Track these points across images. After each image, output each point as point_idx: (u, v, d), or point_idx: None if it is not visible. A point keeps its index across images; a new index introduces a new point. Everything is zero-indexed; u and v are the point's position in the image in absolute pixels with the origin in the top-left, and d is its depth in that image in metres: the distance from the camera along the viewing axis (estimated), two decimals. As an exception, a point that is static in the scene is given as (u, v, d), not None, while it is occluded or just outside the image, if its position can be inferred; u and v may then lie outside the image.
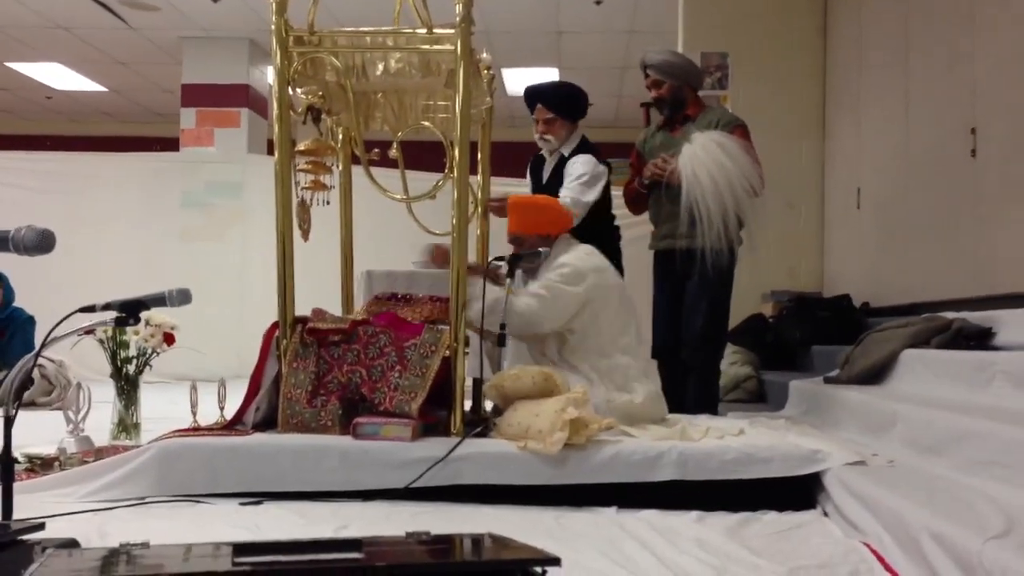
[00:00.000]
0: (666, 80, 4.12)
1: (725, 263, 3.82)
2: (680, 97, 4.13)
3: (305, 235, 3.24)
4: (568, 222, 3.57)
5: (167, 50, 9.54)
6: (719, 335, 4.10)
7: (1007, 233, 4.07)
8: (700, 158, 3.75)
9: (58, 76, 10.63)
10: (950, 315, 3.96)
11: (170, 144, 9.85)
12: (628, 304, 3.42)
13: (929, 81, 5.00)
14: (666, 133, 4.20)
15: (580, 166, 4.09)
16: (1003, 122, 4.12)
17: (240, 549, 1.22)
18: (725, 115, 4.15)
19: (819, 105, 6.89)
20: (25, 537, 1.61)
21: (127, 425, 3.80)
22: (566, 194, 3.99)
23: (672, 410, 3.50)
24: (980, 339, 3.66)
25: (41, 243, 1.69)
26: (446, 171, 3.18)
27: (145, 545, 1.32)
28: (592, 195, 4.03)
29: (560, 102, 4.23)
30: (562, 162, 4.24)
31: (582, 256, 3.37)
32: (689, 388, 3.98)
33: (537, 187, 4.47)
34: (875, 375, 3.92)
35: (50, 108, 12.21)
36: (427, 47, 3.06)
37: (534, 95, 4.26)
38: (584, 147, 4.23)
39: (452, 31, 3.02)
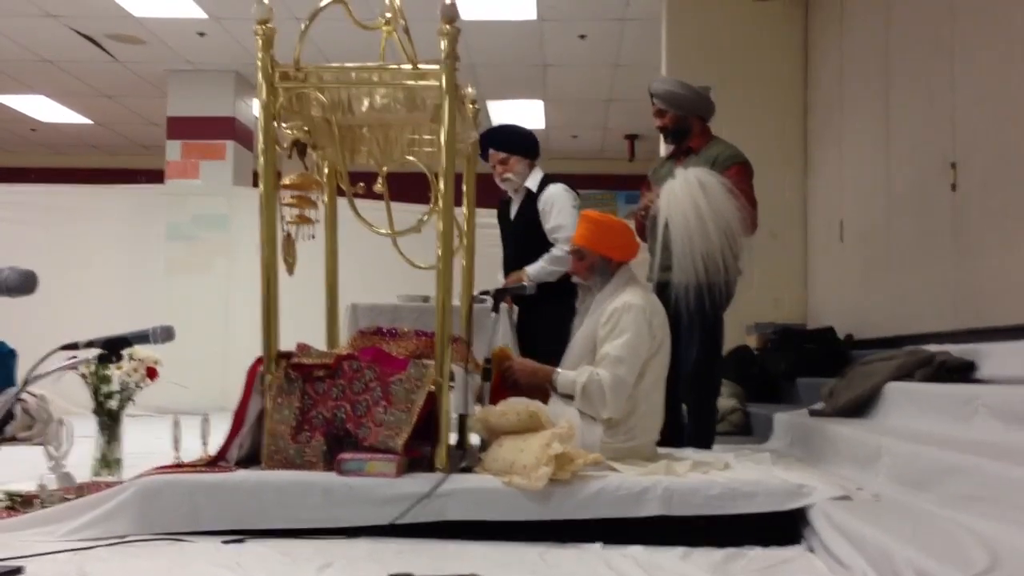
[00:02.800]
0: (669, 109, 4.11)
1: (708, 301, 3.72)
2: (684, 128, 4.11)
3: (290, 269, 3.23)
4: (631, 254, 3.41)
5: (153, 82, 9.57)
6: (713, 371, 4.04)
7: (988, 266, 4.11)
8: (677, 197, 3.70)
9: (43, 108, 10.64)
10: (933, 348, 3.98)
11: (155, 176, 9.85)
12: (668, 349, 3.34)
13: (910, 116, 5.06)
14: (672, 164, 4.18)
15: (560, 199, 4.34)
16: (983, 156, 4.17)
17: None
18: (727, 151, 4.05)
19: (801, 138, 6.98)
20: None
21: (109, 461, 3.76)
22: (564, 236, 4.21)
23: (664, 443, 3.49)
24: (963, 372, 3.69)
25: (23, 284, 1.69)
26: (432, 205, 3.19)
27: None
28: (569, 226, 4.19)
29: (507, 140, 4.41)
30: (530, 198, 4.39)
31: (640, 294, 3.26)
32: (685, 424, 3.96)
33: (506, 228, 4.52)
34: (859, 408, 3.94)
35: (35, 140, 12.20)
36: (412, 82, 3.08)
37: (481, 142, 4.23)
38: (547, 180, 4.42)
39: (437, 67, 3.04)
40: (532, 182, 4.42)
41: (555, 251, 4.30)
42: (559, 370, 3.23)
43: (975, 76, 4.26)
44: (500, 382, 3.27)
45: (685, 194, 3.67)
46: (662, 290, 3.82)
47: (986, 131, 4.15)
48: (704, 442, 3.90)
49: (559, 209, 4.35)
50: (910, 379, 3.79)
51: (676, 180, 3.79)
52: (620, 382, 3.11)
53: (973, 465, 2.47)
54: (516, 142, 4.48)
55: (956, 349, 3.85)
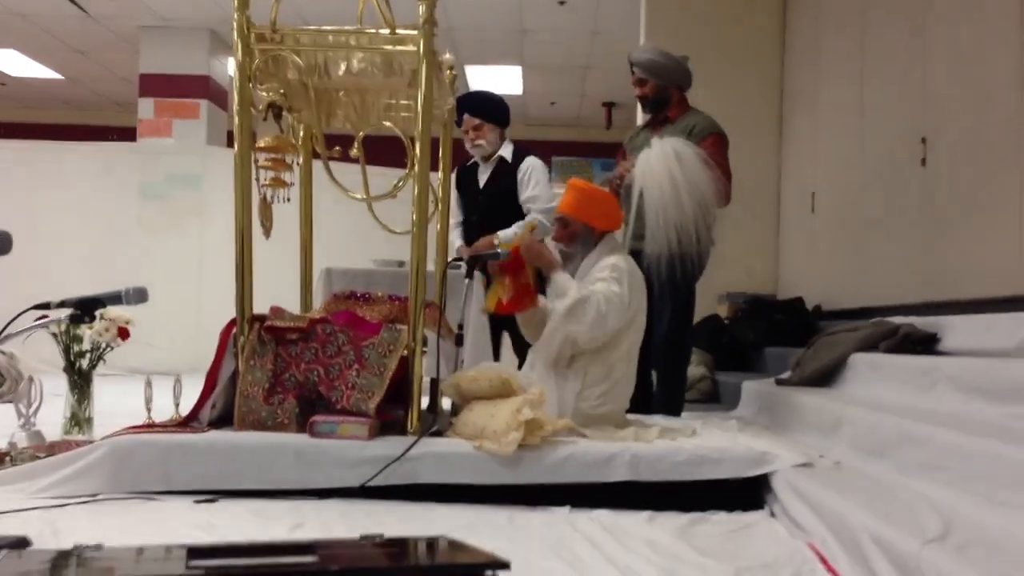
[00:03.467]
0: (650, 79, 4.11)
1: (680, 271, 3.74)
2: (664, 97, 4.12)
3: (267, 232, 3.24)
4: (616, 225, 3.45)
5: (126, 39, 9.42)
6: (684, 341, 4.08)
7: (954, 241, 4.18)
8: (653, 166, 3.70)
9: (13, 63, 10.45)
10: (898, 320, 4.05)
11: (127, 133, 9.73)
12: (643, 327, 3.37)
13: (883, 90, 5.10)
14: (648, 133, 4.19)
15: (537, 172, 4.48)
16: (952, 133, 4.23)
17: (194, 552, 1.23)
18: (703, 121, 4.06)
19: (777, 108, 7.01)
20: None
21: (80, 420, 3.76)
22: (540, 207, 4.36)
23: (633, 410, 3.53)
24: (926, 344, 3.76)
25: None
26: (408, 170, 3.20)
27: (98, 547, 1.33)
28: (549, 198, 4.30)
29: (482, 106, 4.45)
30: (503, 166, 4.49)
31: (623, 259, 3.30)
32: (654, 391, 4.02)
33: (473, 194, 4.53)
34: (825, 378, 4.01)
35: (4, 95, 11.99)
36: (390, 47, 3.07)
37: (458, 106, 4.22)
38: (521, 151, 4.55)
39: (415, 32, 3.03)
40: (506, 151, 4.53)
41: (530, 219, 4.34)
42: (563, 272, 3.23)
43: (947, 52, 4.31)
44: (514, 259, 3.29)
45: (660, 164, 3.68)
46: (635, 258, 3.84)
47: (956, 107, 4.20)
48: (674, 409, 3.96)
49: (536, 180, 4.46)
50: (875, 350, 3.86)
51: (652, 150, 3.79)
52: (617, 297, 3.12)
53: (930, 434, 2.54)
54: (490, 109, 4.54)
55: (921, 321, 3.92)
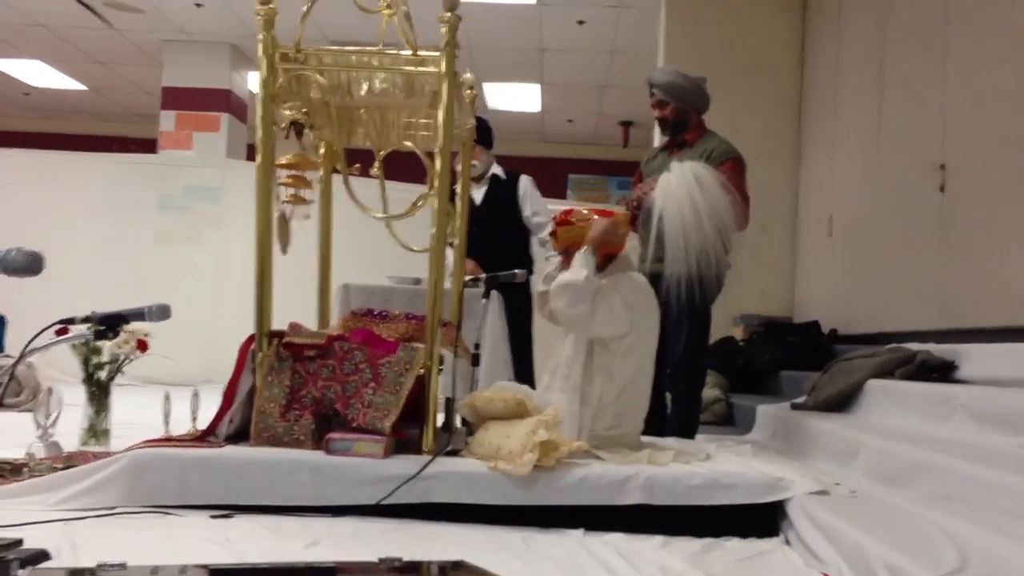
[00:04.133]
0: (670, 101, 4.10)
1: (699, 294, 3.74)
2: (683, 120, 4.11)
3: (284, 249, 3.25)
4: (613, 247, 3.39)
5: (148, 52, 9.52)
6: (700, 363, 4.07)
7: (972, 268, 4.17)
8: (673, 190, 3.71)
9: (37, 73, 10.58)
10: (915, 347, 4.04)
11: (148, 145, 9.82)
12: (656, 341, 3.38)
13: (901, 116, 5.10)
14: (665, 156, 4.19)
15: (533, 188, 4.94)
16: (971, 160, 4.22)
17: (216, 573, 1.24)
18: (721, 145, 4.05)
19: (795, 132, 7.02)
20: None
21: (97, 431, 3.78)
22: (543, 219, 4.66)
23: (648, 432, 3.53)
24: (943, 372, 3.75)
25: (30, 265, 1.71)
26: (428, 189, 3.22)
27: (121, 566, 1.34)
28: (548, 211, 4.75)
29: (479, 130, 4.46)
30: (496, 182, 4.89)
31: (638, 279, 3.33)
32: (670, 411, 4.01)
33: (470, 210, 4.61)
34: (840, 403, 4.00)
35: (27, 105, 12.13)
36: (412, 68, 3.10)
37: None
38: (508, 169, 4.98)
39: (437, 54, 3.06)
40: (497, 170, 4.94)
41: (544, 236, 4.66)
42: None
43: (966, 80, 4.31)
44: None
45: (681, 188, 3.70)
46: (654, 281, 3.85)
47: (975, 135, 4.20)
48: (688, 432, 3.95)
49: (534, 198, 4.92)
50: (891, 377, 3.85)
51: (672, 173, 3.80)
52: (591, 281, 3.15)
53: (947, 465, 2.53)
54: (483, 134, 4.77)
55: (938, 349, 3.91)
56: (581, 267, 3.18)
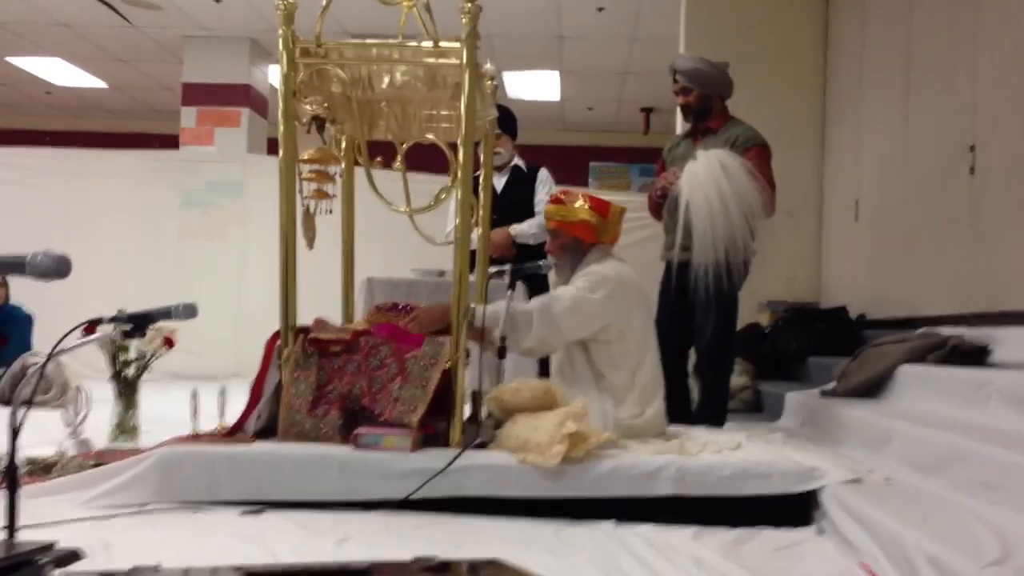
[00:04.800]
0: (694, 88, 4.07)
1: (726, 281, 3.74)
2: (707, 107, 4.08)
3: (310, 244, 3.25)
4: (609, 238, 3.43)
5: (169, 48, 9.55)
6: (728, 348, 4.06)
7: (1004, 251, 4.10)
8: (700, 178, 3.71)
9: (58, 71, 10.64)
10: (946, 331, 3.99)
11: (169, 141, 9.86)
12: (651, 320, 3.40)
13: (930, 97, 5.03)
14: (689, 143, 4.17)
15: (550, 179, 4.97)
16: (1002, 141, 4.15)
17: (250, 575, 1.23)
18: (746, 132, 4.03)
19: (819, 116, 6.93)
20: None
21: (126, 428, 3.81)
22: None
23: (676, 419, 3.51)
24: (976, 356, 3.69)
25: (57, 269, 1.70)
26: (450, 182, 3.21)
27: (155, 569, 1.34)
28: None
29: (504, 119, 4.60)
30: (518, 173, 4.93)
31: (611, 266, 3.34)
32: (698, 399, 3.99)
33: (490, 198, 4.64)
34: (871, 390, 3.95)
35: (49, 103, 12.21)
36: (433, 60, 3.08)
37: None
38: (532, 164, 5.01)
39: (458, 45, 3.03)
40: (519, 162, 4.97)
41: (542, 219, 4.61)
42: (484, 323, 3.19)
43: (997, 61, 4.23)
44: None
45: (708, 176, 3.68)
46: (683, 269, 3.84)
47: (1006, 116, 4.12)
48: (717, 420, 3.93)
49: (551, 187, 4.93)
50: (922, 362, 3.80)
51: (698, 162, 3.78)
52: (547, 311, 3.16)
53: (985, 452, 2.49)
54: (510, 123, 4.84)
55: (970, 333, 3.86)
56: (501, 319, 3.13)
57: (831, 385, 4.28)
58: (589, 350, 3.29)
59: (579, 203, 3.38)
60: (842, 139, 6.58)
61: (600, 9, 8.13)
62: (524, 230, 4.71)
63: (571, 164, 11.30)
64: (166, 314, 2.12)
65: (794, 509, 2.72)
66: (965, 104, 4.51)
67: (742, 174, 3.69)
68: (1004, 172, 4.13)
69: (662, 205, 4.11)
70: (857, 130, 6.25)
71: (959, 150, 4.49)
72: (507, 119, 4.76)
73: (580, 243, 3.38)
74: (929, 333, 4.05)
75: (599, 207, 3.38)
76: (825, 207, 6.86)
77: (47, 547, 1.61)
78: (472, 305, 3.09)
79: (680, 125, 6.78)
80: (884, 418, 3.30)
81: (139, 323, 2.05)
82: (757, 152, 3.92)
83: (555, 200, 3.45)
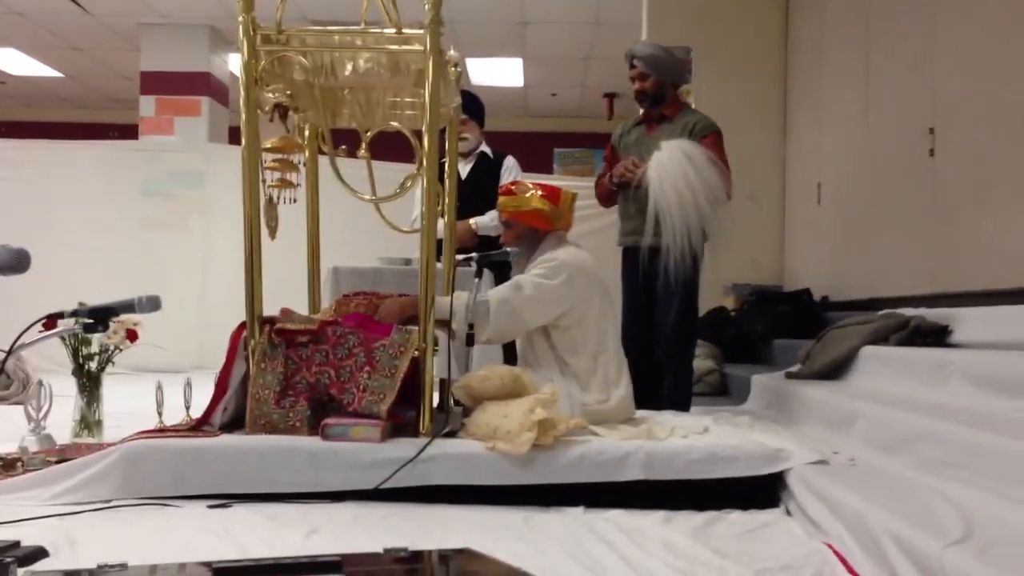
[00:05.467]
0: (652, 74, 4.11)
1: (691, 266, 3.84)
2: (662, 93, 4.13)
3: (272, 233, 3.22)
4: (562, 224, 3.47)
5: (126, 36, 9.39)
6: (691, 332, 4.14)
7: (964, 232, 4.16)
8: (667, 169, 3.77)
9: (13, 61, 10.42)
10: (908, 312, 4.05)
11: (128, 131, 9.71)
12: (611, 303, 3.44)
13: (889, 80, 5.08)
14: (642, 130, 4.21)
15: (516, 167, 4.88)
16: (961, 123, 4.20)
17: (220, 572, 1.22)
18: (702, 119, 4.11)
19: (781, 100, 6.99)
20: (-3, 553, 1.60)
21: (89, 423, 3.76)
22: None
23: (642, 405, 3.54)
24: (937, 336, 3.75)
25: (16, 263, 1.67)
26: (416, 170, 3.19)
27: (122, 566, 1.32)
28: None
29: (470, 104, 4.60)
30: (484, 160, 4.86)
31: (567, 252, 3.37)
32: (663, 385, 4.03)
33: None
34: (835, 371, 4.01)
35: (4, 93, 11.97)
36: (396, 47, 3.05)
37: None
38: (499, 151, 4.94)
39: (421, 31, 3.01)
40: (486, 148, 4.92)
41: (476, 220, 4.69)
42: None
43: (955, 43, 4.28)
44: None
45: (675, 166, 3.77)
46: (652, 255, 3.87)
47: (965, 98, 4.18)
48: (682, 404, 3.97)
49: (516, 175, 4.84)
50: (885, 343, 3.85)
51: (663, 152, 3.85)
52: (505, 303, 3.19)
53: (946, 431, 2.53)
54: (476, 108, 4.81)
55: (931, 313, 3.91)
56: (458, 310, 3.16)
57: (796, 367, 4.33)
58: (551, 336, 3.33)
59: (530, 192, 3.42)
60: (803, 123, 6.63)
61: (563, -6, 8.12)
62: (486, 222, 4.67)
63: (535, 150, 11.28)
64: (129, 307, 2.09)
65: (761, 491, 2.75)
66: (924, 87, 4.56)
67: (705, 162, 3.79)
68: (963, 154, 4.19)
69: (615, 192, 4.18)
70: (818, 113, 6.30)
71: (919, 133, 4.54)
72: (474, 105, 4.74)
73: (535, 232, 3.42)
74: (891, 314, 4.11)
75: (551, 195, 3.42)
76: (787, 190, 6.92)
77: (12, 545, 1.58)
78: (436, 296, 3.09)
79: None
80: (848, 399, 3.34)
81: (101, 317, 2.01)
82: (713, 139, 4.02)
83: (505, 191, 3.49)
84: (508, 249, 3.42)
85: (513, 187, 3.50)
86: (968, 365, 3.05)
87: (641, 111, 4.28)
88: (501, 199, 3.48)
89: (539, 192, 3.41)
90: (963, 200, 4.18)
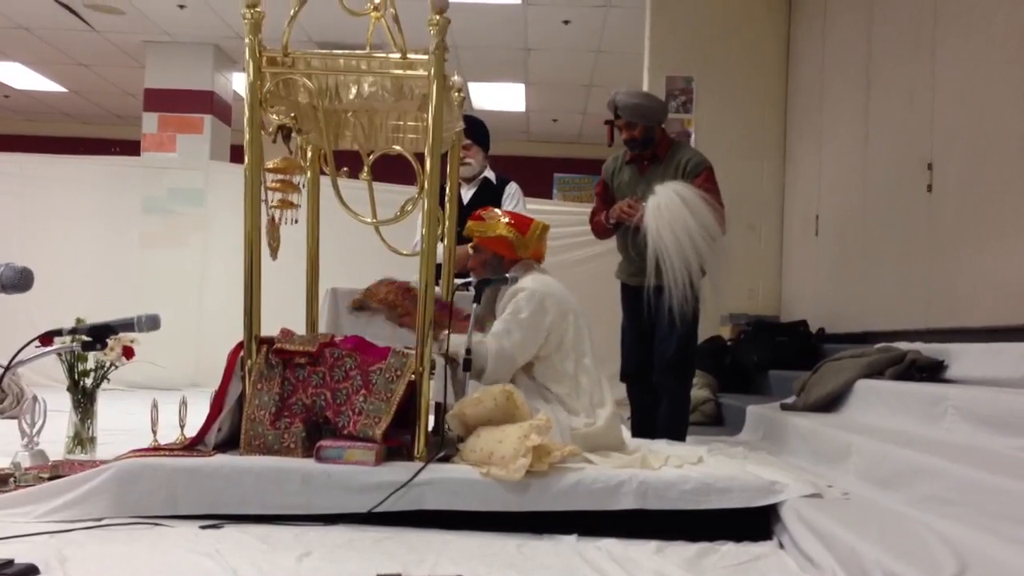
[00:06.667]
0: (639, 122, 4.16)
1: (692, 302, 3.88)
2: (651, 137, 4.18)
3: (274, 254, 3.23)
4: (532, 254, 3.52)
5: (131, 53, 9.45)
6: (690, 363, 4.16)
7: (961, 267, 4.18)
8: (663, 215, 3.84)
9: (17, 75, 10.48)
10: (904, 346, 4.05)
11: (130, 147, 9.75)
12: (585, 322, 3.45)
13: (889, 114, 5.11)
14: (634, 169, 4.25)
15: (518, 193, 4.83)
16: (959, 159, 4.23)
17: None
18: (693, 157, 4.18)
19: (781, 131, 7.03)
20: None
21: (83, 439, 3.74)
22: None
23: (642, 435, 3.54)
24: (932, 371, 3.76)
25: (20, 281, 1.67)
26: (417, 194, 3.20)
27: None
28: None
29: (474, 129, 4.61)
30: (487, 186, 4.82)
31: (537, 280, 3.40)
32: (660, 414, 4.04)
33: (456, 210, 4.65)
34: (830, 404, 4.01)
35: (7, 107, 12.02)
36: (400, 72, 3.07)
37: None
38: (501, 175, 4.90)
39: (426, 57, 3.03)
40: (490, 174, 4.86)
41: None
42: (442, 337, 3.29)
43: (955, 79, 4.32)
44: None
45: (671, 212, 3.83)
46: (658, 294, 3.89)
47: (963, 134, 4.21)
48: (679, 434, 3.97)
49: (517, 201, 4.83)
50: (881, 377, 3.86)
51: (659, 197, 3.92)
52: (502, 353, 3.24)
53: (941, 467, 2.53)
54: (481, 133, 4.79)
55: (927, 348, 3.92)
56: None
57: (791, 399, 4.33)
58: (532, 368, 3.36)
59: (496, 219, 3.48)
60: (803, 153, 6.67)
61: (566, 22, 8.18)
62: None
63: (536, 175, 11.32)
64: (129, 326, 2.09)
65: (755, 523, 2.74)
66: (923, 122, 4.59)
67: (700, 204, 3.87)
68: (960, 190, 4.21)
69: (611, 230, 4.25)
70: (818, 145, 6.34)
71: (917, 167, 4.57)
72: (478, 130, 4.76)
73: (499, 259, 3.47)
74: (887, 348, 4.12)
75: (519, 224, 3.48)
76: (786, 221, 6.95)
77: (5, 563, 1.57)
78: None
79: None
80: (843, 432, 3.34)
81: (99, 335, 2.01)
82: (705, 176, 4.09)
83: (475, 217, 3.54)
84: (508, 275, 3.43)
85: (483, 212, 3.55)
86: (964, 401, 3.05)
87: (632, 153, 4.31)
88: (469, 223, 3.53)
89: (506, 219, 3.47)
90: (960, 236, 4.20)
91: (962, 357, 3.66)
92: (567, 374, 3.33)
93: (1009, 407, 2.79)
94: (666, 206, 3.86)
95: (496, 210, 3.63)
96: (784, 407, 4.28)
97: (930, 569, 1.86)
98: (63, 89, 10.99)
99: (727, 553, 2.55)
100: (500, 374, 3.25)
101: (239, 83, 9.27)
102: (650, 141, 4.18)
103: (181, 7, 8.20)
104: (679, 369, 4.05)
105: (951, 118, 4.33)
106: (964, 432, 2.95)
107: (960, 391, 3.18)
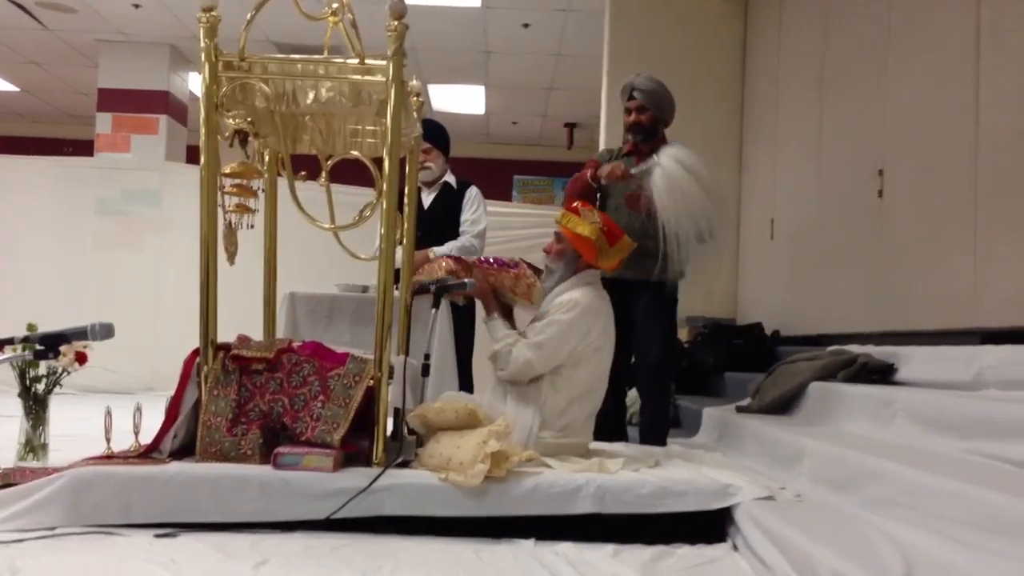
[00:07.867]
0: (650, 108, 4.13)
1: (672, 294, 3.93)
2: (655, 130, 4.15)
3: (231, 259, 3.21)
4: (606, 265, 3.42)
5: (84, 52, 9.31)
6: (672, 365, 4.19)
7: (910, 272, 4.27)
8: (671, 176, 3.86)
9: (-34, 73, 10.28)
10: (856, 349, 4.12)
11: (83, 146, 9.60)
12: (608, 359, 3.36)
13: (842, 121, 5.20)
14: (630, 162, 4.22)
15: (478, 198, 4.77)
16: (909, 166, 4.32)
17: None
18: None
19: (737, 135, 7.11)
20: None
21: (34, 446, 3.67)
22: (476, 230, 4.67)
23: (605, 435, 3.56)
24: (883, 374, 3.83)
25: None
26: (376, 199, 3.19)
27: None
28: (484, 223, 4.73)
29: (434, 133, 4.62)
30: (447, 190, 4.77)
31: (595, 301, 3.31)
32: (645, 417, 4.08)
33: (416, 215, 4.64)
34: (784, 406, 4.07)
35: (-44, 105, 11.78)
36: (358, 77, 3.07)
37: None
38: (462, 180, 4.85)
39: (384, 62, 3.03)
40: (450, 179, 4.82)
41: (465, 240, 4.60)
42: (497, 317, 3.33)
43: (906, 88, 4.40)
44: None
45: (678, 173, 3.86)
46: (636, 289, 3.90)
47: (913, 141, 4.29)
48: (659, 438, 4.00)
49: (477, 206, 4.77)
50: (833, 379, 3.92)
51: (663, 161, 3.91)
52: (527, 365, 3.19)
53: (890, 469, 2.58)
54: (441, 137, 4.75)
55: (878, 351, 3.99)
56: (498, 338, 3.28)
57: (746, 401, 4.39)
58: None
59: (593, 220, 3.35)
60: (759, 159, 6.75)
61: (526, 25, 8.21)
62: (444, 252, 4.50)
63: (495, 177, 11.35)
64: (82, 334, 2.07)
65: (710, 526, 2.78)
66: (875, 129, 4.68)
67: (703, 170, 3.91)
68: (910, 196, 4.30)
69: (594, 190, 4.15)
70: (773, 150, 6.42)
71: (869, 173, 4.66)
72: (438, 133, 4.73)
73: (577, 258, 3.36)
74: (839, 351, 4.19)
75: (610, 233, 3.36)
76: (742, 224, 7.03)
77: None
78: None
79: (604, 141, 6.89)
80: (796, 435, 3.39)
81: (52, 343, 1.99)
82: None
83: (572, 209, 3.42)
84: (466, 280, 3.41)
85: (582, 207, 3.41)
86: (912, 404, 3.12)
87: (626, 143, 4.27)
88: (561, 212, 3.45)
89: (602, 224, 3.36)
90: (909, 241, 4.29)
91: (911, 360, 3.74)
92: (568, 394, 3.22)
93: (957, 410, 2.85)
94: (671, 169, 3.87)
95: (596, 211, 3.48)
96: (739, 409, 4.34)
97: (878, 571, 1.90)
98: (14, 88, 10.80)
99: (683, 556, 2.59)
100: (516, 379, 3.23)
101: (195, 83, 9.18)
102: (653, 134, 4.14)
103: (136, 6, 8.10)
104: (664, 371, 4.07)
105: (902, 127, 4.41)
106: (914, 434, 3.01)
107: (909, 394, 3.25)
